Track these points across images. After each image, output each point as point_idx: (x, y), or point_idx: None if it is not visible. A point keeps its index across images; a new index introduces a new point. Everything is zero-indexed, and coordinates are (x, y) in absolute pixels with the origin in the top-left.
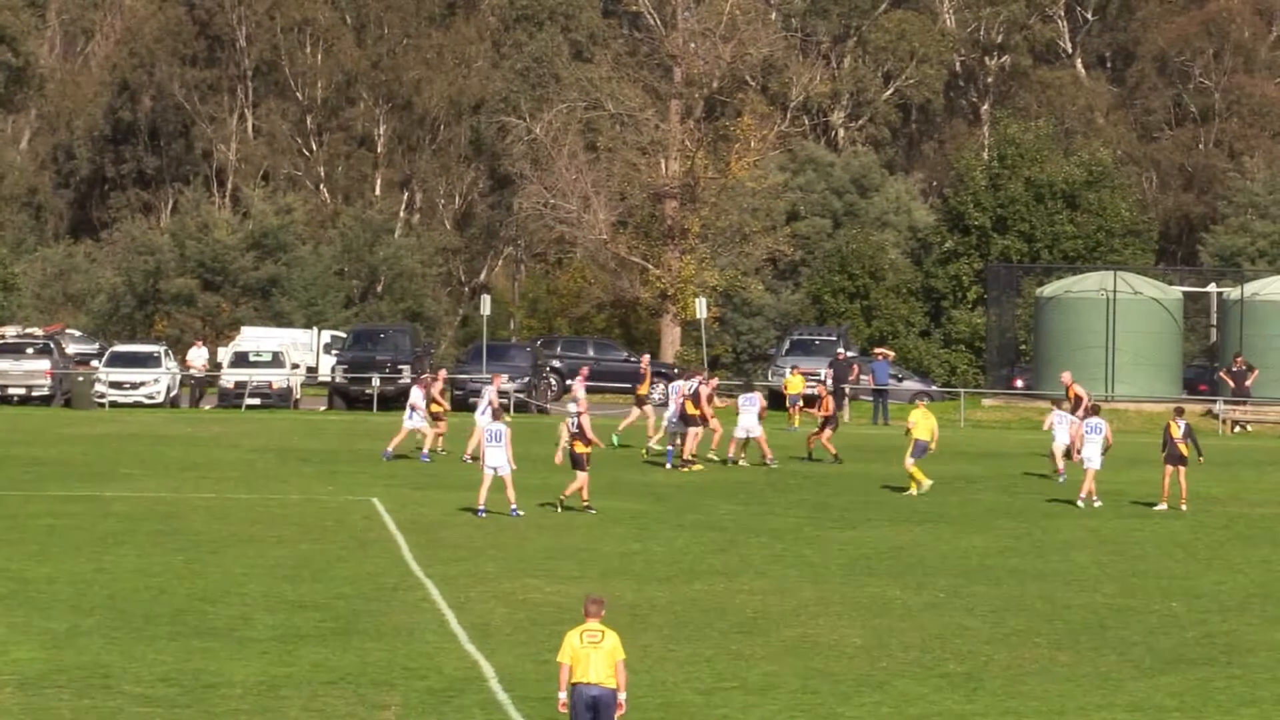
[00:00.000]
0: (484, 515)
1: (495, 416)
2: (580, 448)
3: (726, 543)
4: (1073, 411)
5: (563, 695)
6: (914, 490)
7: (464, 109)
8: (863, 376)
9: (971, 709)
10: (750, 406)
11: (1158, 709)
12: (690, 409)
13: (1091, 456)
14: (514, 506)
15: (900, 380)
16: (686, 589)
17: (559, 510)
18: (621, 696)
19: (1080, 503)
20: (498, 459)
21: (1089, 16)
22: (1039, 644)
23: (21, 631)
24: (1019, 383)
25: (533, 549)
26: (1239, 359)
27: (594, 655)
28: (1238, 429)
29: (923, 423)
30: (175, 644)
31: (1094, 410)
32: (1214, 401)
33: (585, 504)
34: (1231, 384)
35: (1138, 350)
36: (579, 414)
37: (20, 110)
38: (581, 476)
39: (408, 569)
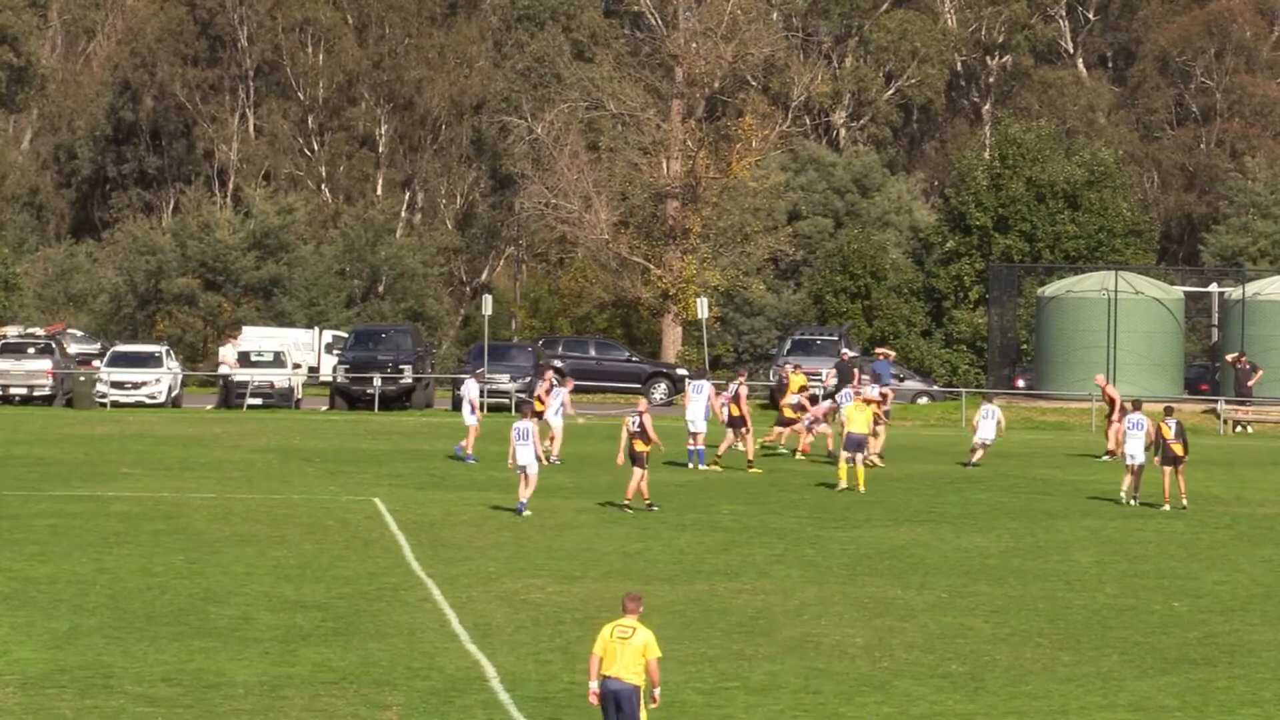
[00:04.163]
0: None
1: (543, 413)
2: (640, 446)
3: (728, 543)
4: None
5: (593, 685)
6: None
7: (465, 109)
8: (863, 376)
9: (974, 709)
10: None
11: (1160, 709)
12: (734, 410)
13: (1135, 453)
14: (523, 503)
15: (902, 380)
16: (688, 589)
17: (626, 512)
18: (656, 691)
19: (1125, 499)
20: (526, 457)
21: (1090, 16)
22: (1041, 644)
23: (23, 631)
24: (1020, 382)
25: (534, 549)
26: (1243, 358)
27: (622, 650)
28: (1239, 429)
29: (857, 416)
30: (177, 644)
31: (1136, 407)
32: (1215, 401)
33: (648, 502)
34: (1235, 370)
35: (1139, 350)
36: (641, 413)
37: (22, 110)
38: (638, 473)
39: (409, 569)
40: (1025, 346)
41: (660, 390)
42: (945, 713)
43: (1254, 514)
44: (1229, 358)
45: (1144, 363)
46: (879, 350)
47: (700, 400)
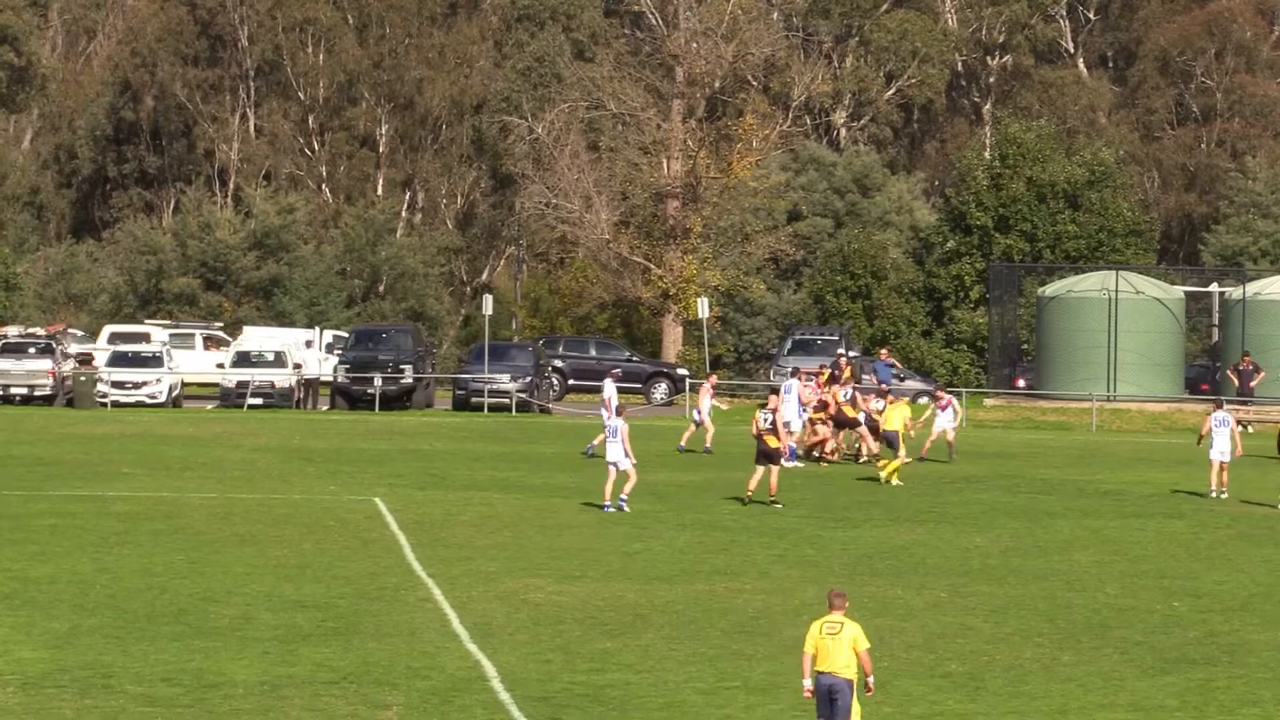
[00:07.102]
0: (611, 510)
1: (618, 413)
2: (773, 442)
3: (728, 542)
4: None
5: (806, 682)
6: (889, 479)
7: (466, 109)
8: (864, 377)
9: (973, 709)
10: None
11: (1160, 709)
12: (850, 411)
13: (1223, 449)
14: (623, 498)
15: (902, 380)
16: (688, 588)
17: (745, 504)
18: (870, 680)
19: (1215, 494)
20: (616, 454)
21: (1091, 16)
22: (1041, 644)
23: (24, 631)
24: (1021, 382)
25: (534, 549)
26: (1246, 358)
27: (833, 645)
28: (1241, 429)
29: (893, 415)
30: (177, 644)
31: (1219, 405)
32: (1214, 401)
33: (749, 495)
34: (1236, 382)
35: (1139, 350)
36: (773, 410)
37: (22, 110)
38: (774, 470)
39: (410, 569)
40: (1026, 346)
41: (661, 390)
42: (945, 712)
43: (1254, 514)
44: (1229, 371)
45: (1144, 363)
46: (880, 350)
47: (791, 400)
